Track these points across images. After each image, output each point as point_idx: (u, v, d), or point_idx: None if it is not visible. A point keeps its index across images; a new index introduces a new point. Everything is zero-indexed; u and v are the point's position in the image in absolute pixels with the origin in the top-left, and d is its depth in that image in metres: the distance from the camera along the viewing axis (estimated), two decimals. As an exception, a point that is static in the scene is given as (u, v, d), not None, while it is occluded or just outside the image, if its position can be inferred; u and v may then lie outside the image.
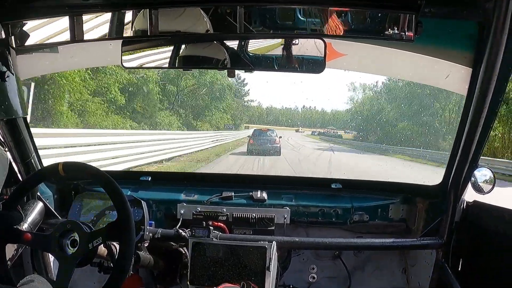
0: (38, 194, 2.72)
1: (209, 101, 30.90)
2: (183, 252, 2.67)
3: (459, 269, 2.77)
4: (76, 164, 2.22)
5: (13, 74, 2.38)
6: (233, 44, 2.43)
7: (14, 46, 2.39)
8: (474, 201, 2.73)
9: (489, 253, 2.60)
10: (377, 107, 36.41)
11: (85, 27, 2.28)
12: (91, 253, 2.06)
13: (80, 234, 2.03)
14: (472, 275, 2.69)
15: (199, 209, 2.92)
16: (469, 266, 2.73)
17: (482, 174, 2.64)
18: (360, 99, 40.18)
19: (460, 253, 2.77)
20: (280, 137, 26.04)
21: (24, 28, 2.38)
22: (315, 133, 46.62)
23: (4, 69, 2.31)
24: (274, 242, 2.54)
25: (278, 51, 2.40)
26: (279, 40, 2.39)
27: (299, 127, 47.86)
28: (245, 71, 2.56)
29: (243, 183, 3.29)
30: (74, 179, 3.07)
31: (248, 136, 28.09)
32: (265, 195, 3.04)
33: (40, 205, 2.54)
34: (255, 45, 2.44)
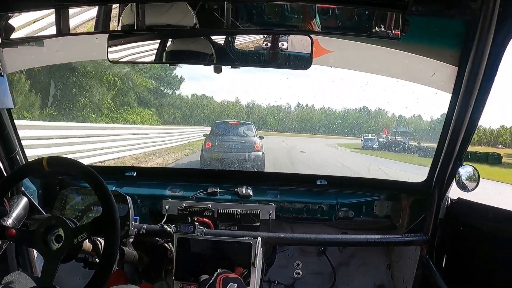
0: (23, 189, 2.69)
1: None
2: (168, 247, 2.66)
3: (443, 265, 2.80)
4: (61, 158, 2.20)
5: None
6: (220, 39, 2.43)
7: None
8: (458, 198, 2.76)
9: (473, 249, 2.63)
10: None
11: (71, 20, 2.26)
12: (76, 248, 2.04)
13: (65, 230, 2.01)
14: (456, 271, 2.72)
15: (184, 204, 2.91)
16: (452, 262, 2.76)
17: (466, 171, 2.67)
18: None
19: (444, 250, 2.80)
20: (261, 137, 15.68)
21: (9, 21, 2.35)
22: (373, 144, 25.93)
23: None
24: (259, 238, 2.55)
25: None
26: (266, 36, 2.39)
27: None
28: (231, 67, 2.55)
29: (229, 179, 3.29)
30: (59, 174, 3.05)
31: (204, 136, 16.12)
32: (250, 191, 3.05)
33: (24, 200, 2.51)
34: (242, 41, 2.43)
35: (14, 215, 2.37)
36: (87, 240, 2.08)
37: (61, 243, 2.00)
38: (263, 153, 14.85)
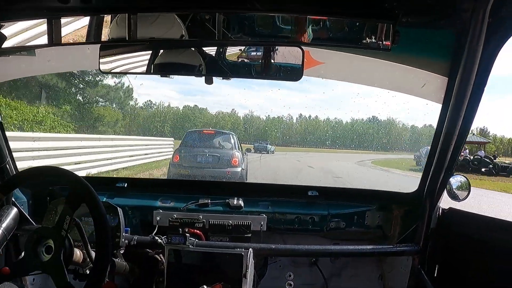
0: (13, 199, 2.68)
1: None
2: (159, 259, 2.64)
3: (435, 275, 2.80)
4: (30, 169, 2.23)
5: None
6: (211, 50, 2.43)
7: None
8: (450, 208, 2.77)
9: (464, 259, 2.64)
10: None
11: (63, 30, 2.26)
12: (67, 240, 2.05)
13: (54, 239, 2.01)
14: (448, 281, 2.72)
15: (175, 216, 2.90)
16: (444, 272, 2.77)
17: (457, 181, 2.69)
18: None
19: (435, 259, 2.81)
20: (243, 151, 13.67)
21: (1, 31, 2.34)
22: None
23: None
24: (250, 249, 2.53)
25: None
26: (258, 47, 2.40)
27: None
28: (222, 78, 2.56)
29: (220, 190, 3.28)
30: (49, 184, 3.03)
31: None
32: (241, 202, 3.04)
33: (14, 211, 2.50)
34: (233, 52, 2.44)
35: (4, 225, 2.36)
36: (78, 251, 2.08)
37: (52, 252, 2.01)
38: (243, 169, 12.98)
